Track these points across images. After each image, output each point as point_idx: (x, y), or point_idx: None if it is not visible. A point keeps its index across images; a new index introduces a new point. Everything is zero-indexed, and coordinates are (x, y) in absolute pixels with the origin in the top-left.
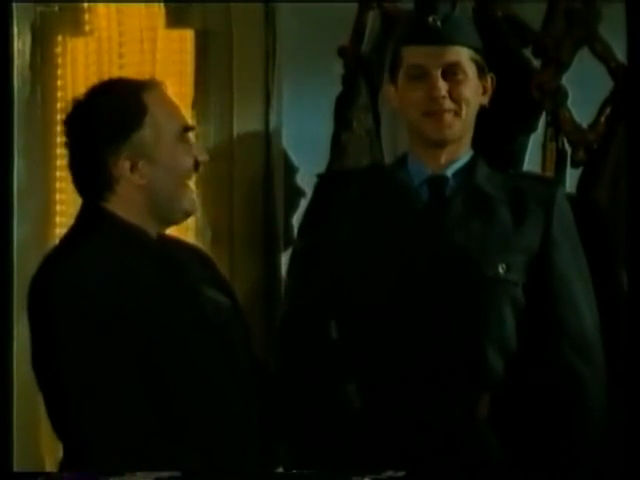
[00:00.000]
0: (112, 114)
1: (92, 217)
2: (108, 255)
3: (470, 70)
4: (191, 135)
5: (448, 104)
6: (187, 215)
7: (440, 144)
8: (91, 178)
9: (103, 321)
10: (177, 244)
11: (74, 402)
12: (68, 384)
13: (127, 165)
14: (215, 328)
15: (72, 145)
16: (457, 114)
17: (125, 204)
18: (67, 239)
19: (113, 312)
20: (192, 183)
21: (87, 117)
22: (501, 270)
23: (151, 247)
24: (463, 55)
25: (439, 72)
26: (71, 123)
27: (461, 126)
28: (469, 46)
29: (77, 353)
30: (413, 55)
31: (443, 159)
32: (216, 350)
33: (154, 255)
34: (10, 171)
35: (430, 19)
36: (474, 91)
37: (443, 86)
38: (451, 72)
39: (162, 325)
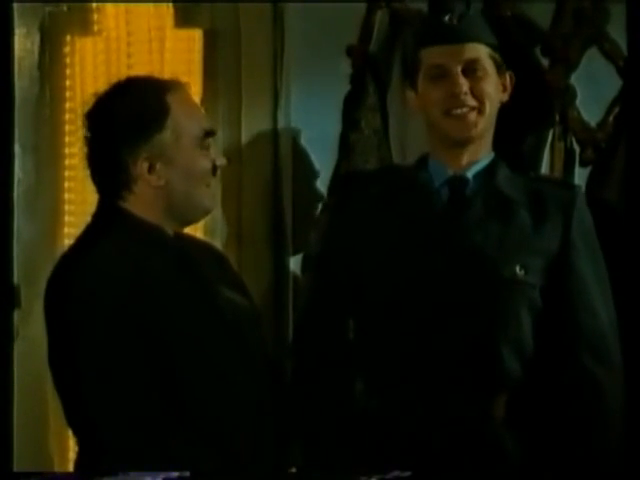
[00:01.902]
0: (135, 114)
1: (109, 216)
2: (125, 253)
3: (489, 67)
4: (211, 139)
5: (470, 101)
6: (206, 213)
7: (463, 143)
8: (109, 176)
9: (120, 319)
10: (193, 242)
11: (90, 400)
12: (84, 382)
13: (145, 166)
14: (230, 327)
15: (92, 141)
16: (480, 111)
17: (142, 203)
18: (84, 237)
19: (130, 310)
20: (213, 181)
21: (110, 114)
22: (519, 272)
23: (168, 245)
24: (482, 52)
25: (459, 69)
26: (92, 118)
27: (484, 124)
28: (487, 43)
29: (94, 351)
30: (432, 56)
31: (464, 160)
32: (231, 349)
33: (171, 253)
34: (11, 170)
35: (446, 18)
36: (495, 87)
37: (464, 83)
38: (471, 69)
39: (178, 323)
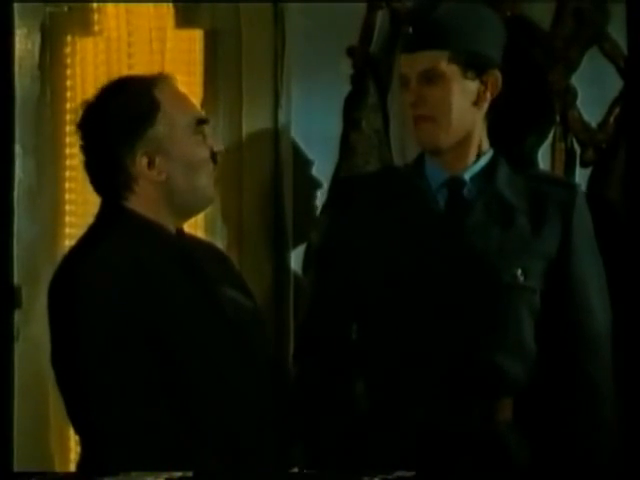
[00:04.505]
0: (125, 113)
1: (111, 215)
2: (128, 252)
3: (451, 72)
4: (205, 126)
5: (425, 111)
6: (208, 203)
7: (434, 152)
8: (110, 178)
9: (123, 319)
10: (196, 241)
11: (93, 400)
12: (86, 382)
13: (144, 162)
14: (232, 326)
15: (87, 147)
16: (437, 122)
17: (144, 201)
18: (87, 237)
19: (132, 309)
20: (213, 170)
21: (100, 119)
22: (519, 276)
23: (170, 244)
24: (439, 59)
25: (414, 79)
26: (85, 126)
27: (446, 134)
28: (449, 48)
29: (96, 350)
30: (400, 64)
31: (455, 162)
32: (233, 348)
33: (173, 252)
34: (12, 171)
35: (407, 27)
36: (458, 94)
37: (415, 92)
38: (426, 78)
39: (181, 322)
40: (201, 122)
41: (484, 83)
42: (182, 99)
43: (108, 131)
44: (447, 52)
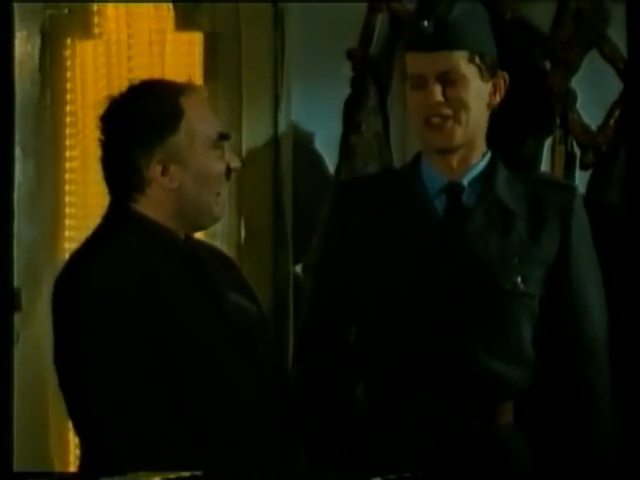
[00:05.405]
0: (149, 117)
1: (120, 217)
2: (135, 254)
3: (470, 73)
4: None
5: (445, 110)
6: (215, 220)
7: (445, 151)
8: (123, 178)
9: (128, 320)
10: (203, 246)
11: (96, 402)
12: (90, 383)
13: (159, 168)
14: (237, 331)
15: (106, 143)
16: (456, 121)
17: (154, 206)
18: (94, 238)
19: (138, 311)
20: (225, 188)
21: (123, 117)
22: (519, 284)
23: (178, 248)
24: (459, 59)
25: (434, 78)
26: (107, 121)
27: (463, 133)
28: (467, 49)
29: (100, 353)
30: (412, 63)
31: (456, 165)
32: (238, 353)
33: (181, 257)
34: (12, 173)
35: (423, 24)
36: (475, 94)
37: (438, 92)
38: (447, 78)
39: (186, 326)
40: (223, 137)
41: (494, 85)
42: (207, 111)
43: (128, 131)
44: (466, 53)
